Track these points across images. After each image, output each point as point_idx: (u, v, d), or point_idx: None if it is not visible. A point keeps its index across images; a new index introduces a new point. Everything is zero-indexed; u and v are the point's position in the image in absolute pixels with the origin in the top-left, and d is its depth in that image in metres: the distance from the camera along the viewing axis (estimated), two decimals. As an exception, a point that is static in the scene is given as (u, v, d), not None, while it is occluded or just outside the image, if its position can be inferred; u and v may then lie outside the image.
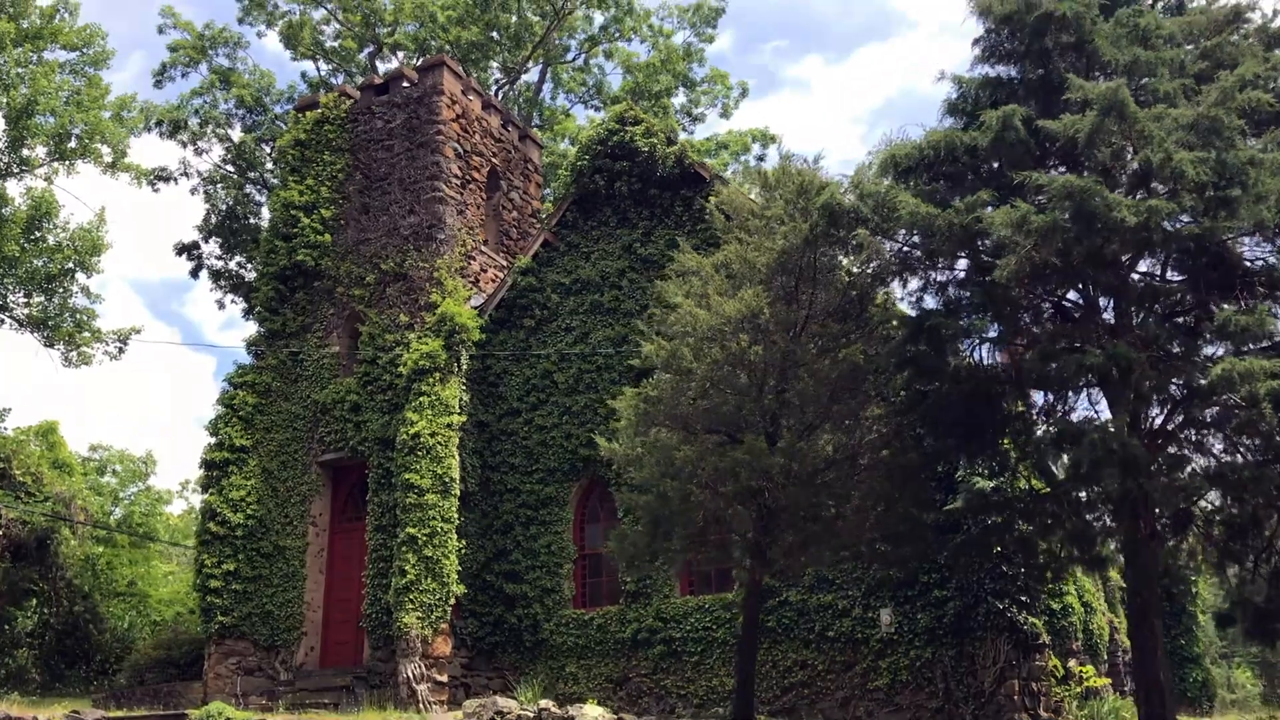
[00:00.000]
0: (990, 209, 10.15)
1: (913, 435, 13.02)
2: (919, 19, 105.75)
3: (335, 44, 32.51)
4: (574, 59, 34.11)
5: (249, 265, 30.35)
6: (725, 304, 11.16)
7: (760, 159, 32.45)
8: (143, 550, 35.47)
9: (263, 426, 21.43)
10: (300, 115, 23.92)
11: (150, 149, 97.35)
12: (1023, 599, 16.20)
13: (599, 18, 32.84)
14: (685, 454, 11.08)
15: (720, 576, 19.16)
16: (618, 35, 32.92)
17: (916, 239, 10.99)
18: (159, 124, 29.37)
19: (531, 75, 33.96)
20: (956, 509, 14.35)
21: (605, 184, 21.27)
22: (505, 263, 23.74)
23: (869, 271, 11.68)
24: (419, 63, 25.30)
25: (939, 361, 12.79)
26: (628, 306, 20.68)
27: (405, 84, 23.09)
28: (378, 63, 32.20)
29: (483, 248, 22.83)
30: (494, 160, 24.03)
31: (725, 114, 34.46)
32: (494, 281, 22.99)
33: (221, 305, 30.94)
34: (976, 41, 11.82)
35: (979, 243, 10.47)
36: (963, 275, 12.67)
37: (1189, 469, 12.25)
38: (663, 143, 20.92)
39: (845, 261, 12.19)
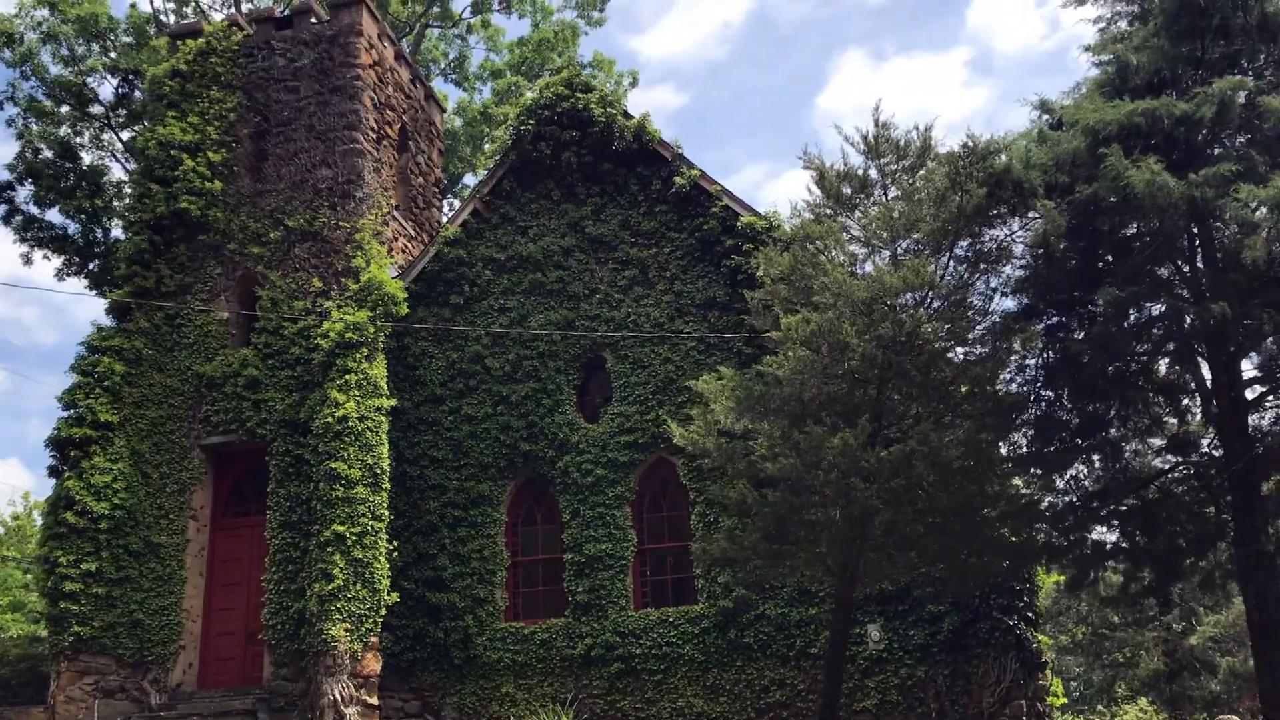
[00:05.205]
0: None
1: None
2: None
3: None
4: (454, 26, 31.49)
5: (73, 216, 25.90)
6: (886, 275, 9.71)
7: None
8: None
9: (132, 401, 17.87)
10: (178, 43, 20.49)
11: None
12: (1029, 615, 15.60)
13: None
14: (842, 443, 9.49)
15: (678, 588, 17.57)
16: (501, 7, 30.65)
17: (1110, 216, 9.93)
18: (-13, 35, 24.53)
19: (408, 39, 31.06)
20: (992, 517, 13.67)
21: (550, 153, 19.27)
22: (414, 232, 21.24)
23: (1039, 250, 10.58)
24: None
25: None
26: (575, 289, 18.77)
27: (314, 20, 20.21)
28: None
29: (394, 213, 20.24)
30: (404, 118, 21.47)
31: (615, 101, 32.62)
32: (404, 252, 20.46)
33: (28, 260, 25.99)
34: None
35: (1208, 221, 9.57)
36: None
37: None
38: (621, 114, 19.20)
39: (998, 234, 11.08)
